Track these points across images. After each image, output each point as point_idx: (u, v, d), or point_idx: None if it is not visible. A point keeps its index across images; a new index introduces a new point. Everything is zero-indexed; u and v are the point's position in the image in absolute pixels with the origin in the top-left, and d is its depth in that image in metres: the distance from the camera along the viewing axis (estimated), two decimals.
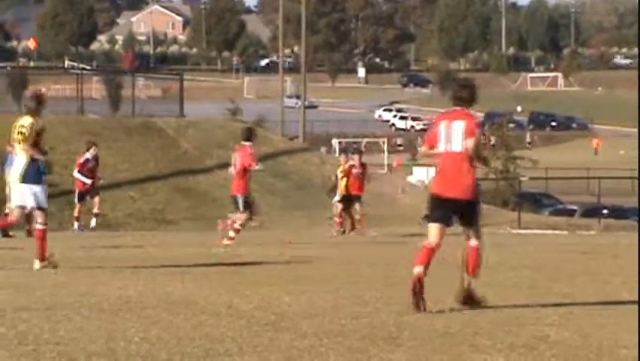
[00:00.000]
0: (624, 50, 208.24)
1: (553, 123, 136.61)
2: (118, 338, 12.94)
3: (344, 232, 43.48)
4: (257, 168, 34.12)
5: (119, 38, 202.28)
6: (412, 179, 78.07)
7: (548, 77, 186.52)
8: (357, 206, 43.63)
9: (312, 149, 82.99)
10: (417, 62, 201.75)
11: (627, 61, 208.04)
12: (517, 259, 28.01)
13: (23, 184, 22.77)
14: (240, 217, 33.93)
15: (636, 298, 15.84)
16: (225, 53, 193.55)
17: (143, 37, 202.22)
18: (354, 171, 43.87)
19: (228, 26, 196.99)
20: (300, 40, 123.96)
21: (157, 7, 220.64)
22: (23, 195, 22.81)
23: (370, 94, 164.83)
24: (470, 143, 16.12)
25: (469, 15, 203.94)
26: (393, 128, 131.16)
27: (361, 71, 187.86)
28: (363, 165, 44.47)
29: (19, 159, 22.70)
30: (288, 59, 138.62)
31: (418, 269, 15.81)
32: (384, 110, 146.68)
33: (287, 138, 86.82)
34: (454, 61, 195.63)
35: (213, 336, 13.00)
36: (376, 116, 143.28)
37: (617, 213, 64.62)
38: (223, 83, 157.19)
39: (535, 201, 64.54)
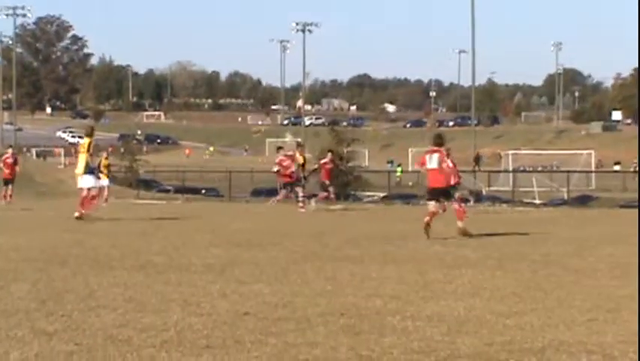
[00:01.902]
0: (198, 100, 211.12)
1: (159, 140, 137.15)
2: None
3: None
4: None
5: None
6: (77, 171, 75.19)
7: (155, 114, 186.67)
8: None
9: (19, 153, 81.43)
10: (81, 104, 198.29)
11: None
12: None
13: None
14: None
15: None
16: None
17: None
18: None
19: None
20: (12, 91, 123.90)
21: None
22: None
23: (54, 123, 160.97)
24: (444, 163, 18.06)
25: (111, 78, 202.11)
26: (67, 142, 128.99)
27: (48, 110, 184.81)
28: None
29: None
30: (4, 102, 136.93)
31: (427, 218, 17.35)
32: (62, 131, 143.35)
33: (4, 147, 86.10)
34: (102, 104, 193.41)
35: None
36: (57, 135, 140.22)
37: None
38: None
39: (148, 184, 62.64)
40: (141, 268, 11.54)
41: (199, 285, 9.84)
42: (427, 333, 7.26)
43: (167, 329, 7.28)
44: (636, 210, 29.41)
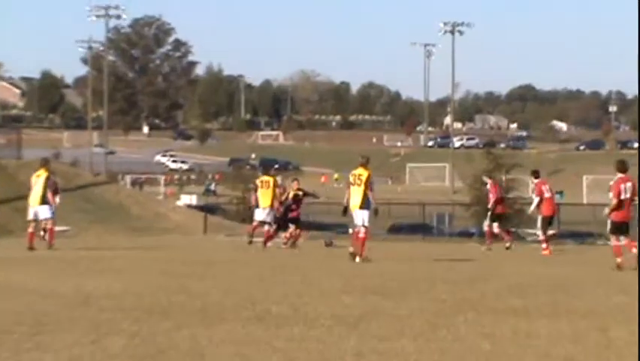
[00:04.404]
0: (324, 117, 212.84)
1: (277, 166, 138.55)
2: None
3: None
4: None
5: None
6: (180, 203, 77.72)
7: (272, 134, 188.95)
8: None
9: (111, 182, 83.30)
10: (184, 123, 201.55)
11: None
12: None
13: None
14: None
15: None
16: (50, 115, 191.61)
17: None
18: None
19: (52, 96, 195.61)
20: (103, 106, 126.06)
21: (2, 82, 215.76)
22: None
23: (151, 145, 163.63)
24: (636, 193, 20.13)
25: (220, 90, 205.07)
26: (167, 168, 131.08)
27: (145, 129, 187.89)
28: None
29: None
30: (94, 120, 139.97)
31: (618, 260, 19.81)
32: (161, 155, 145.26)
33: (94, 174, 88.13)
34: (209, 122, 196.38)
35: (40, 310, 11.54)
36: (156, 159, 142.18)
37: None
38: (49, 136, 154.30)
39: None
40: (259, 319, 11.58)
41: (328, 341, 9.85)
42: None
43: None
44: None
